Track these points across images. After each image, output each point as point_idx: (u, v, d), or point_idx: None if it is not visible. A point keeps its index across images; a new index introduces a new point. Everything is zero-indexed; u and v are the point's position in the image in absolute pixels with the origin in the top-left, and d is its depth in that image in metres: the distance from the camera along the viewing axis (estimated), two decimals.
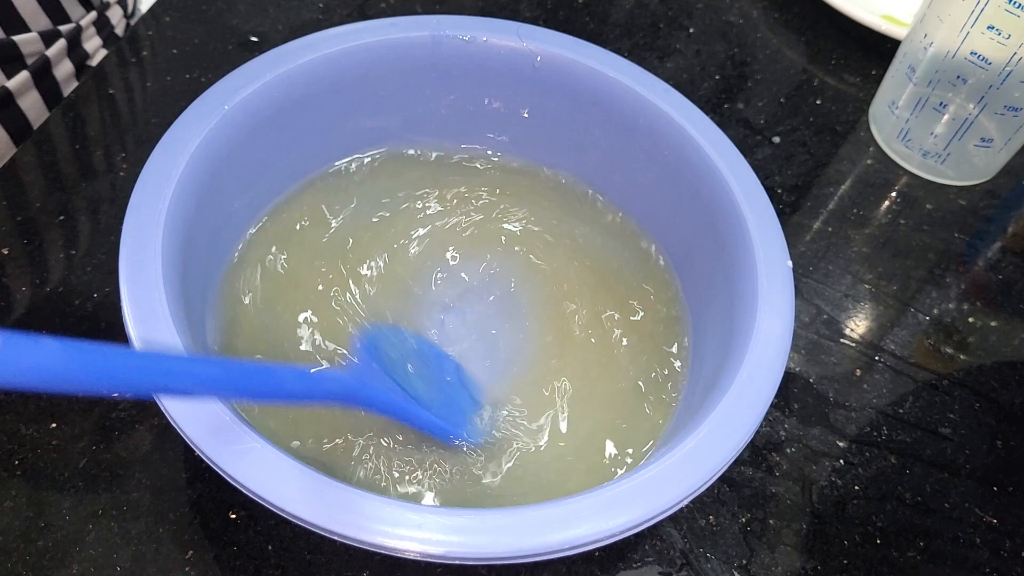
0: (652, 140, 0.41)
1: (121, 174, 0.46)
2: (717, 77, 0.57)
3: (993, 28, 0.44)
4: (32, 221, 0.44)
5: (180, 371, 0.26)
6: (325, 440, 0.35)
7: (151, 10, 0.55)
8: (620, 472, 0.36)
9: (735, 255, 0.37)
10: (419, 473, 0.35)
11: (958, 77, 0.48)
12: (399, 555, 0.27)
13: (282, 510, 0.28)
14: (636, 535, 0.37)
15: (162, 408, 0.29)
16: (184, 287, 0.34)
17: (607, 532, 0.28)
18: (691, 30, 0.60)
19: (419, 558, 0.27)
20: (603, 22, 0.59)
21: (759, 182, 0.38)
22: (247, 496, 0.36)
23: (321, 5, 0.57)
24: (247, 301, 0.38)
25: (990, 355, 0.46)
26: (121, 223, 0.33)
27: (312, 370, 0.36)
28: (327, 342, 0.38)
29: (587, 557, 0.37)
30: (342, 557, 0.35)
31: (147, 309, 0.31)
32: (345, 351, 0.38)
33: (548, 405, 0.37)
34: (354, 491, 0.28)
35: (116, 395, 0.24)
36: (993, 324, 0.47)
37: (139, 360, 0.25)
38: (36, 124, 0.55)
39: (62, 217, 0.44)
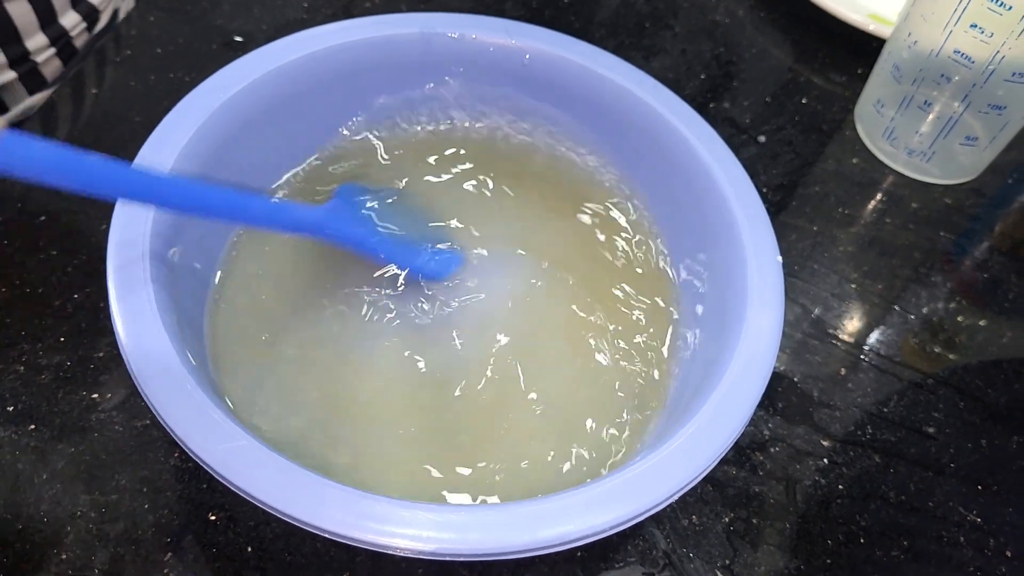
0: (642, 135, 0.41)
1: None
2: (703, 76, 0.57)
3: (976, 26, 0.44)
4: (12, 222, 0.43)
5: (163, 184, 0.31)
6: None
7: (135, 9, 0.55)
8: (605, 472, 0.36)
9: (725, 250, 0.37)
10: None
11: (942, 75, 0.48)
12: (388, 552, 0.27)
13: (270, 507, 0.27)
14: (619, 535, 0.37)
15: (149, 405, 0.29)
16: (174, 290, 0.33)
17: (598, 528, 0.28)
18: (677, 29, 0.60)
19: (409, 555, 0.27)
20: (589, 21, 0.59)
21: (748, 177, 0.38)
22: (227, 498, 0.36)
23: (306, 5, 0.57)
24: (241, 300, 0.38)
25: (976, 354, 0.46)
26: (103, 224, 0.32)
27: (287, 203, 0.39)
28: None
29: (569, 557, 0.36)
30: (322, 559, 0.35)
31: (136, 311, 0.31)
32: None
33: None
34: (342, 488, 0.28)
35: (95, 194, 0.28)
36: (980, 323, 0.47)
37: (124, 171, 0.29)
38: None
39: (43, 217, 0.44)
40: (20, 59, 0.57)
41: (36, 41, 0.57)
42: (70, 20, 0.59)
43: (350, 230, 0.37)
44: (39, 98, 0.59)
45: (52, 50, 0.58)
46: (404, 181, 0.43)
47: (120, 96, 0.50)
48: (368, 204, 0.40)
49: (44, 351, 0.39)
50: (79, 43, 0.60)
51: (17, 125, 0.58)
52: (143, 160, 0.35)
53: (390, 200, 0.41)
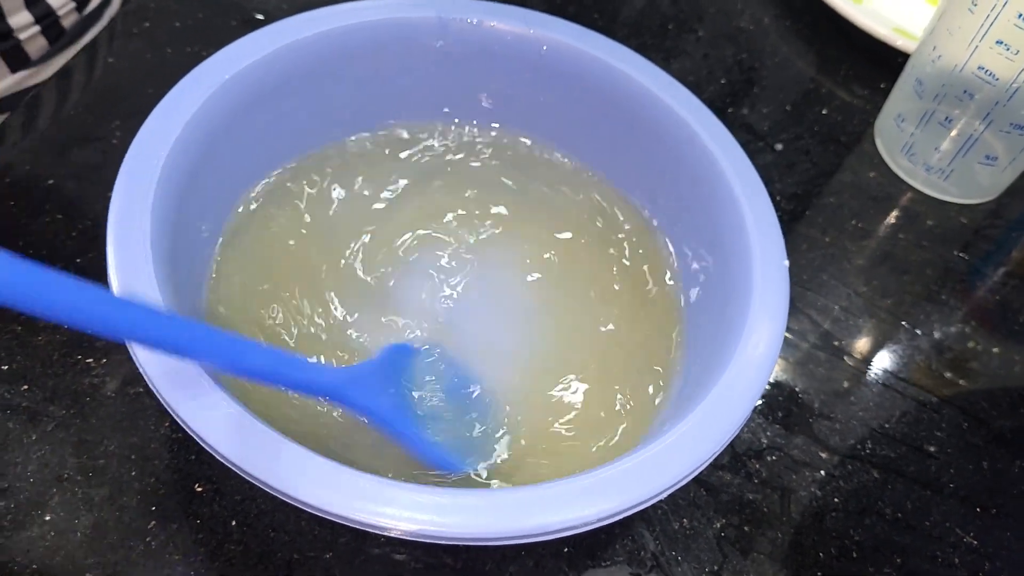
0: (654, 132, 0.40)
1: (113, 142, 0.46)
2: (723, 81, 0.57)
3: (1002, 43, 0.43)
4: (19, 184, 0.43)
5: (154, 325, 0.26)
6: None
7: None
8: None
9: (731, 250, 0.36)
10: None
11: (965, 92, 0.47)
12: (370, 530, 0.27)
13: (252, 476, 0.27)
14: (608, 534, 0.37)
15: (138, 365, 0.28)
16: (174, 252, 0.33)
17: (584, 519, 0.28)
18: (700, 33, 0.59)
19: (390, 534, 0.27)
20: (612, 20, 0.59)
21: (759, 177, 0.37)
22: (214, 470, 0.36)
23: None
24: (238, 275, 0.38)
25: (983, 376, 0.45)
26: (109, 191, 0.32)
27: (295, 357, 0.35)
28: (316, 318, 0.37)
29: (556, 552, 0.36)
30: (306, 537, 0.35)
31: (132, 269, 0.30)
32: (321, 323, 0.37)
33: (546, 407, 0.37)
34: (328, 462, 0.27)
35: (88, 331, 0.24)
36: (990, 347, 0.46)
37: (117, 306, 0.25)
38: None
39: (50, 181, 0.44)
40: (3, 36, 0.56)
41: (20, 19, 0.56)
42: None
43: (365, 404, 0.32)
44: (22, 76, 0.58)
45: (37, 28, 0.58)
46: (407, 178, 0.43)
47: (136, 67, 0.50)
48: (412, 370, 0.35)
49: None
50: (67, 23, 0.60)
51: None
52: (147, 131, 0.34)
53: (428, 360, 0.37)
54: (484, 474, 0.34)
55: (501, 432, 0.36)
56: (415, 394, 0.35)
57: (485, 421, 0.36)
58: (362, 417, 0.32)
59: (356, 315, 0.38)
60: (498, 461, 0.35)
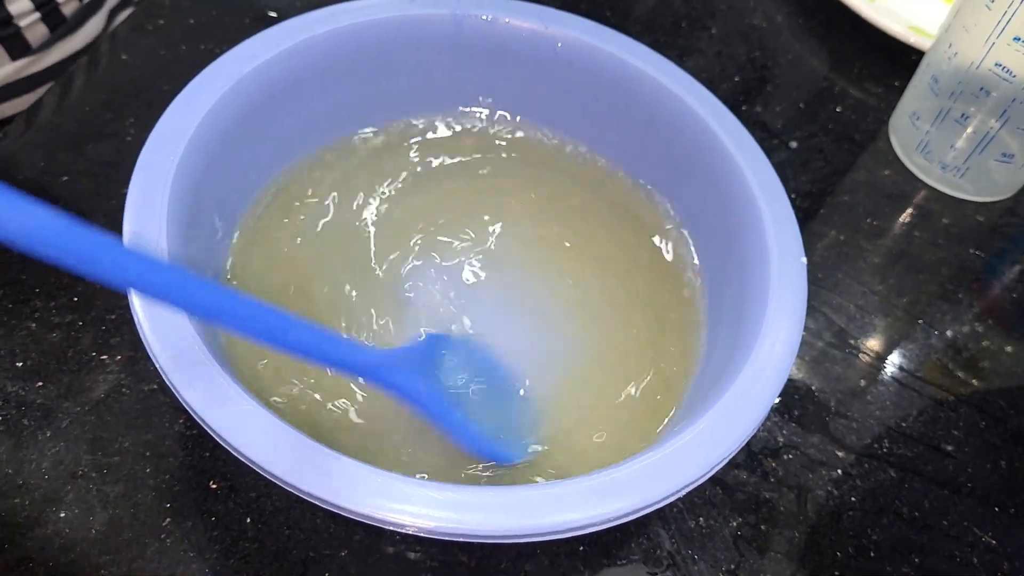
0: (670, 129, 0.40)
1: (128, 139, 0.46)
2: (737, 79, 0.56)
3: (1019, 40, 0.43)
4: (35, 181, 0.43)
5: (211, 295, 0.25)
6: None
7: None
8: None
9: (748, 247, 0.36)
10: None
11: (981, 89, 0.47)
12: (386, 527, 0.27)
13: (270, 473, 0.27)
14: (623, 532, 0.36)
15: (156, 366, 0.28)
16: (188, 248, 0.33)
17: (602, 517, 0.28)
18: (713, 31, 0.59)
19: (406, 531, 0.27)
20: (624, 17, 0.59)
21: (776, 175, 0.37)
22: (229, 467, 0.36)
23: None
24: (253, 270, 0.38)
25: (999, 375, 0.45)
26: (124, 187, 0.32)
27: (340, 336, 0.35)
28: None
29: (571, 551, 0.36)
30: (321, 534, 0.35)
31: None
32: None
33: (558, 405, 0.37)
34: (345, 459, 0.27)
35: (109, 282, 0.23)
36: (1007, 345, 0.46)
37: (171, 273, 0.24)
38: None
39: (65, 178, 0.44)
40: (3, 23, 0.56)
41: (20, 5, 0.56)
42: None
43: (408, 386, 0.31)
44: (22, 64, 0.58)
45: (37, 15, 0.58)
46: (420, 174, 0.43)
47: (150, 64, 0.50)
48: (449, 359, 0.35)
49: (57, 310, 0.39)
50: (67, 10, 0.60)
51: None
52: (164, 127, 0.34)
53: (462, 351, 0.36)
54: (522, 467, 0.34)
55: (539, 427, 0.35)
56: (458, 382, 0.35)
57: (526, 414, 0.36)
58: (405, 401, 0.31)
59: (372, 310, 0.38)
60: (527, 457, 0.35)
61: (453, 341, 0.37)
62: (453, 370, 0.35)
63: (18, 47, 0.58)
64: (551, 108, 0.44)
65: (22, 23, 0.57)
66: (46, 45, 0.59)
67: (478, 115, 0.45)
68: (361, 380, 0.34)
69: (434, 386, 0.33)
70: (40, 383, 0.37)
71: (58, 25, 0.59)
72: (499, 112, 0.45)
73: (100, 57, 0.50)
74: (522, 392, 0.36)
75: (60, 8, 0.59)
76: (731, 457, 0.30)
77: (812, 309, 0.46)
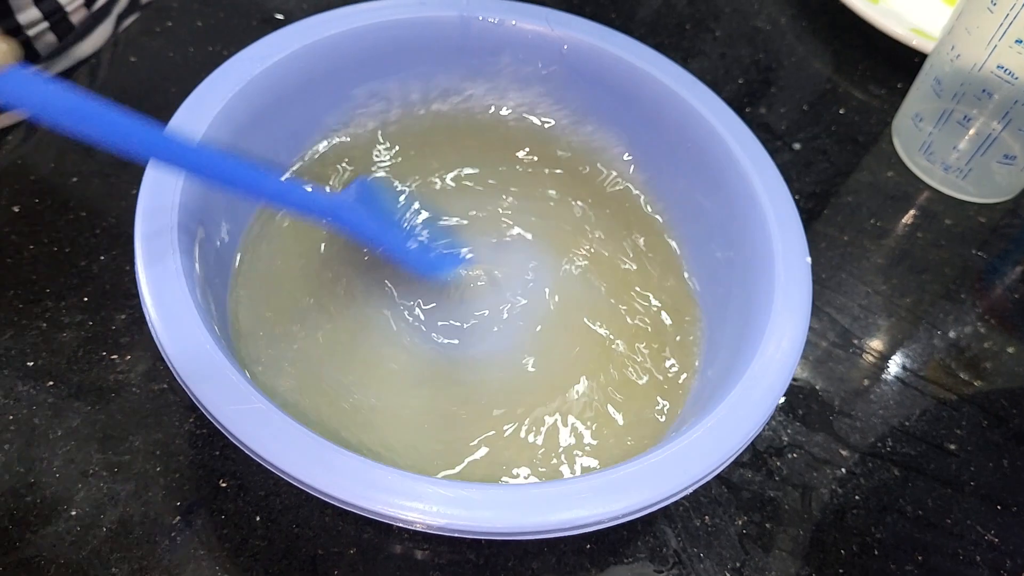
0: (675, 130, 0.41)
1: None
2: (741, 81, 0.57)
3: (1022, 42, 0.43)
4: (45, 181, 0.44)
5: (181, 149, 0.31)
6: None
7: None
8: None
9: (753, 247, 0.36)
10: None
11: (983, 91, 0.47)
12: (396, 524, 0.27)
13: (282, 471, 0.27)
14: (630, 531, 0.37)
15: (168, 365, 0.29)
16: (199, 260, 0.34)
17: (609, 514, 0.28)
18: (717, 33, 0.60)
19: (417, 528, 0.27)
20: (629, 19, 0.59)
21: (780, 176, 0.37)
22: (239, 466, 0.36)
23: None
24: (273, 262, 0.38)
25: (1001, 375, 0.45)
26: (134, 188, 0.33)
27: (299, 184, 0.39)
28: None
29: (578, 549, 0.36)
30: (330, 532, 0.35)
31: (162, 277, 0.31)
32: None
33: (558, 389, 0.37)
34: (355, 457, 0.28)
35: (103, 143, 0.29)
36: (1009, 345, 0.46)
37: (139, 124, 0.29)
38: None
39: (75, 179, 0.44)
40: (11, 32, 0.56)
41: (29, 15, 0.57)
42: None
43: (361, 220, 0.37)
44: None
45: (45, 24, 0.58)
46: (422, 172, 0.43)
47: (158, 66, 0.50)
48: (381, 198, 0.40)
49: (67, 310, 0.39)
50: (75, 19, 0.60)
51: None
52: (174, 127, 0.35)
53: (403, 196, 0.41)
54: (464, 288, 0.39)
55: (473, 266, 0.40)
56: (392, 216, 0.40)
57: (450, 234, 0.41)
58: (356, 235, 0.37)
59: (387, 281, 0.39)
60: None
61: (378, 184, 0.41)
62: (384, 207, 0.40)
63: (27, 56, 0.58)
64: (555, 109, 0.44)
65: (31, 32, 0.57)
66: (54, 54, 0.59)
67: (483, 117, 0.45)
68: (324, 221, 0.38)
69: (380, 219, 0.38)
70: (51, 382, 0.37)
71: (66, 33, 0.59)
72: (505, 113, 0.45)
73: (108, 59, 0.50)
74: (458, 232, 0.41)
75: (68, 17, 0.59)
76: (737, 455, 0.30)
77: (816, 309, 0.46)
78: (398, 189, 0.42)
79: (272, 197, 0.36)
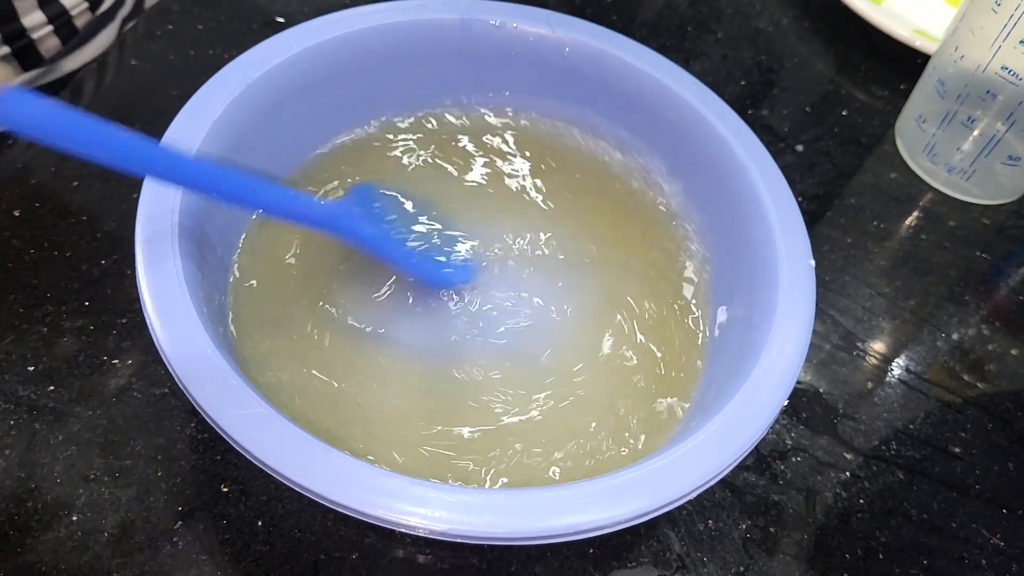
0: (677, 132, 0.40)
1: None
2: (743, 83, 0.57)
3: None
4: (46, 185, 0.44)
5: (176, 165, 0.31)
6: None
7: None
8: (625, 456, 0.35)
9: (756, 249, 0.36)
10: None
11: (988, 92, 0.47)
12: (398, 529, 0.27)
13: (283, 476, 0.27)
14: (633, 535, 0.36)
15: (170, 370, 0.29)
16: (200, 249, 0.33)
17: (613, 519, 0.28)
18: (719, 34, 0.59)
19: (419, 533, 0.27)
20: (631, 21, 0.59)
21: (783, 177, 0.37)
22: (240, 471, 0.36)
23: None
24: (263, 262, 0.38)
25: (1006, 377, 0.45)
26: (134, 192, 0.33)
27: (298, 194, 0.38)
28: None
29: (581, 553, 0.36)
30: (332, 537, 0.35)
31: (163, 281, 0.30)
32: None
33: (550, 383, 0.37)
34: (357, 462, 0.28)
35: (97, 159, 0.29)
36: (1013, 347, 0.46)
37: (135, 142, 0.29)
38: None
39: (76, 183, 0.44)
40: (16, 35, 0.56)
41: (33, 18, 0.57)
42: None
43: (361, 229, 0.36)
44: (34, 75, 0.58)
45: (50, 27, 0.58)
46: (426, 175, 0.43)
47: (159, 69, 0.50)
48: (382, 205, 0.39)
49: (68, 314, 0.39)
50: (79, 23, 0.60)
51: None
52: (176, 131, 0.35)
53: (405, 203, 0.41)
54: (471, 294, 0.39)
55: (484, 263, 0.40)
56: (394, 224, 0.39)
57: (459, 245, 0.41)
58: (356, 243, 0.36)
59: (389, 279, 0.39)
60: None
61: (379, 190, 0.40)
62: (387, 215, 0.39)
63: (31, 59, 0.58)
64: (558, 112, 0.44)
65: (35, 35, 0.57)
66: (58, 57, 0.59)
67: (486, 118, 0.45)
68: (323, 230, 0.37)
69: (382, 227, 0.38)
70: (52, 387, 0.37)
71: (70, 37, 0.59)
72: (507, 114, 0.45)
73: (110, 63, 0.50)
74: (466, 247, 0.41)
75: (72, 20, 0.59)
76: (741, 460, 0.30)
77: (820, 312, 0.46)
78: (401, 194, 0.41)
79: (270, 209, 0.36)
